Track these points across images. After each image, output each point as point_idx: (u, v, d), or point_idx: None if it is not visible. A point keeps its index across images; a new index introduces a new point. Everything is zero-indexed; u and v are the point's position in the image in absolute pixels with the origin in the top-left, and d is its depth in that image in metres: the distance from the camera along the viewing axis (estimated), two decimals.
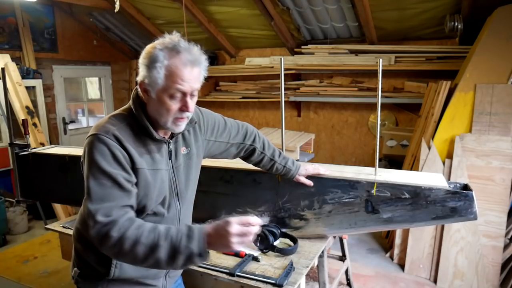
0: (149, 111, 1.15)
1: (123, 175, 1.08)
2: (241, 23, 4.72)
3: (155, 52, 1.07)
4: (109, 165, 1.06)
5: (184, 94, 1.10)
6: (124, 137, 1.11)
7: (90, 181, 1.06)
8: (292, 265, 1.59)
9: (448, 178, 2.86)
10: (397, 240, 3.20)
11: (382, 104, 1.92)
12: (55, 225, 2.21)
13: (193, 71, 1.09)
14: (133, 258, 1.02)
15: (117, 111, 1.21)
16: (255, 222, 1.01)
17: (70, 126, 5.59)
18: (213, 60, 5.43)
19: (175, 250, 0.99)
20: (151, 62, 1.07)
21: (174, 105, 1.10)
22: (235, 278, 1.53)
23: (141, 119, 1.14)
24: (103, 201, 1.04)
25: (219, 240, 0.99)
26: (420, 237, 2.99)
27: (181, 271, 1.42)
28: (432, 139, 3.03)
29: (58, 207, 4.03)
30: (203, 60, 1.13)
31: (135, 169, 1.11)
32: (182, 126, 1.16)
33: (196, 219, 1.50)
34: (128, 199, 1.08)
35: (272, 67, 4.80)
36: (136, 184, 1.12)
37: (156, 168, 1.17)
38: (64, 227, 2.15)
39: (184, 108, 1.11)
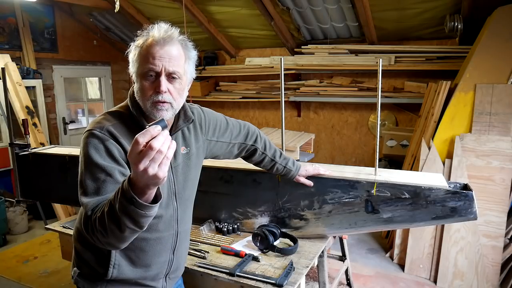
0: (138, 100, 1.15)
1: (118, 168, 1.07)
2: (241, 23, 4.72)
3: (134, 39, 1.13)
4: (103, 159, 1.06)
5: (157, 74, 1.09)
6: (119, 132, 1.11)
7: (85, 175, 1.06)
8: (292, 265, 1.59)
9: (448, 178, 2.86)
10: (397, 240, 3.20)
11: (382, 104, 1.92)
12: (55, 225, 2.21)
13: (164, 49, 1.08)
14: (102, 235, 0.96)
15: (114, 108, 1.21)
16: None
17: (70, 126, 5.59)
18: (213, 60, 5.42)
19: (113, 207, 0.91)
20: (130, 50, 1.13)
21: (149, 86, 1.10)
22: (235, 278, 1.53)
23: (136, 114, 1.15)
24: (97, 194, 1.04)
25: (139, 159, 0.80)
26: (420, 237, 2.99)
27: (181, 272, 1.41)
28: (432, 139, 3.03)
29: (58, 207, 4.03)
30: (179, 40, 1.12)
31: (129, 166, 1.11)
32: (163, 112, 1.10)
33: (196, 219, 1.51)
34: None
35: (272, 67, 4.80)
36: None
37: None
38: (64, 227, 2.15)
39: (156, 88, 1.09)
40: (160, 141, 0.80)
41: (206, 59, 5.38)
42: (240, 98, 5.22)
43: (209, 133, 1.41)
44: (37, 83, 4.58)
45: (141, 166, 0.80)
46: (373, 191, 1.66)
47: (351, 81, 4.59)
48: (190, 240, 1.56)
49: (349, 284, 2.81)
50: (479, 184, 2.77)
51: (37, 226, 4.25)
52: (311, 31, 4.58)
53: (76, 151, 2.25)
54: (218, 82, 5.56)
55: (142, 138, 0.80)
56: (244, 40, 5.15)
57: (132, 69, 1.14)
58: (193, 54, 1.19)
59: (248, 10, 4.37)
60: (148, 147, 0.79)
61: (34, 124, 4.12)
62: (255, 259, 1.66)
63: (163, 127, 0.82)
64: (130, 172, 1.08)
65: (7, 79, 3.87)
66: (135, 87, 1.15)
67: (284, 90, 2.05)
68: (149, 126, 0.82)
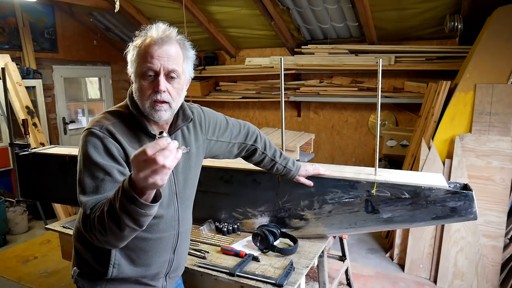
0: (136, 100, 1.15)
1: (116, 167, 1.07)
2: (241, 23, 4.72)
3: (133, 39, 1.14)
4: (101, 158, 1.06)
5: (156, 74, 1.09)
6: (118, 131, 1.11)
7: (84, 173, 1.06)
8: (292, 265, 1.59)
9: (448, 178, 2.86)
10: (397, 240, 3.20)
11: (382, 104, 1.92)
12: (55, 225, 2.21)
13: (163, 48, 1.09)
14: (101, 234, 0.97)
15: (113, 108, 1.22)
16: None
17: (70, 126, 5.59)
18: (213, 60, 5.42)
19: (113, 206, 0.91)
20: (129, 50, 1.14)
21: (147, 85, 1.10)
22: (235, 278, 1.53)
23: (136, 113, 1.15)
24: (96, 193, 1.04)
25: (142, 168, 0.82)
26: (420, 237, 2.99)
27: (181, 271, 1.41)
28: (432, 139, 3.03)
29: (58, 207, 4.03)
30: (177, 39, 1.13)
31: (129, 164, 1.10)
32: (162, 112, 1.11)
33: (196, 219, 1.51)
34: None
35: (272, 67, 4.80)
36: None
37: None
38: (64, 227, 2.15)
39: (155, 87, 1.09)
40: (166, 156, 0.81)
41: (206, 59, 5.38)
42: (240, 98, 5.22)
43: (209, 133, 1.41)
44: (37, 83, 4.58)
45: (142, 174, 0.82)
46: (373, 191, 1.66)
47: (351, 81, 4.59)
48: (190, 240, 1.57)
49: (349, 284, 2.81)
50: (479, 184, 2.77)
51: (37, 226, 4.25)
52: (311, 31, 4.58)
53: (76, 151, 2.23)
54: (218, 82, 5.56)
55: (151, 150, 0.80)
56: (244, 40, 5.15)
57: (130, 69, 1.15)
58: (191, 54, 1.19)
59: (248, 10, 4.37)
60: (153, 160, 0.80)
61: (34, 124, 4.12)
62: (255, 259, 1.66)
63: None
64: (130, 171, 1.09)
65: (7, 79, 3.87)
66: (134, 87, 1.15)
67: (284, 90, 2.05)
68: (159, 137, 0.83)
